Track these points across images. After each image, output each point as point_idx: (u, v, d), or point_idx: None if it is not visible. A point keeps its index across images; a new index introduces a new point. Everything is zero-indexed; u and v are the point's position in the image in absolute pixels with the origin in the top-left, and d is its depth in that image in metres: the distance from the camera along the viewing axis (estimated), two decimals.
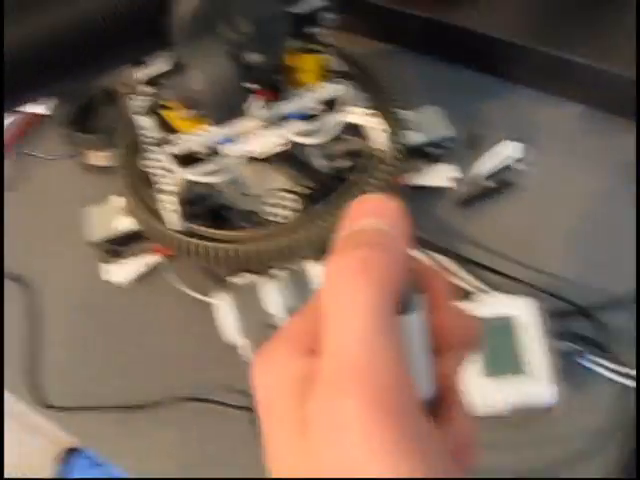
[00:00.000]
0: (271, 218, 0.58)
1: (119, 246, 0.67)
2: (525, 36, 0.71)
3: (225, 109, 0.41)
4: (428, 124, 0.66)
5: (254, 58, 0.40)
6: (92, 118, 0.80)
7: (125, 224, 0.65)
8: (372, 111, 0.58)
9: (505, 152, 0.68)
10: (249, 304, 0.58)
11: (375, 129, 0.58)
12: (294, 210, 0.58)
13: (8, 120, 0.81)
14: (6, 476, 1.63)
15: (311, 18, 0.50)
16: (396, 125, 0.60)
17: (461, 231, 0.66)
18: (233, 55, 0.40)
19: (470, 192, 0.68)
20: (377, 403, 0.21)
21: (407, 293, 0.25)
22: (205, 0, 0.40)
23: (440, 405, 0.26)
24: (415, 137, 0.65)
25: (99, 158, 0.76)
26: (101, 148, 0.76)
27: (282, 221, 0.57)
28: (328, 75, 0.56)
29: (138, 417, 0.61)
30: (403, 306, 0.24)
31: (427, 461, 0.21)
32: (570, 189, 0.67)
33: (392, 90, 0.62)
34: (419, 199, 0.67)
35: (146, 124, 0.57)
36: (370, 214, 0.25)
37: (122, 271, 0.68)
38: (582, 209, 0.66)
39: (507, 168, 0.68)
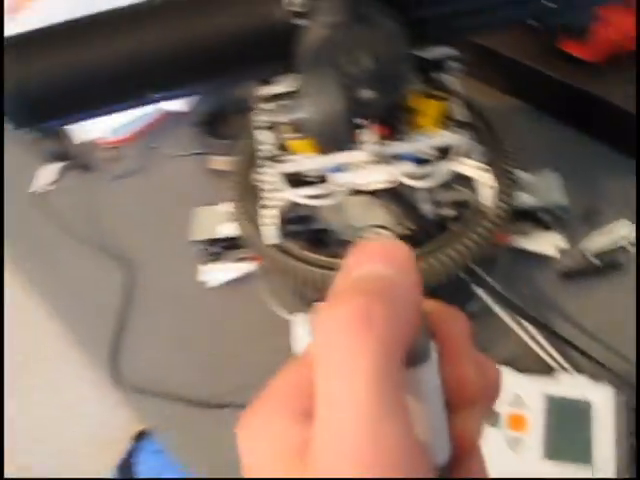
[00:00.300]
0: None
1: (219, 249, 0.69)
2: None
3: (330, 140, 0.42)
4: (543, 189, 0.65)
5: (368, 95, 0.41)
6: (222, 124, 0.83)
7: (228, 230, 0.68)
8: (485, 165, 0.57)
9: (619, 232, 0.66)
10: None
11: (484, 184, 0.57)
12: None
13: (139, 114, 0.85)
14: (83, 445, 1.71)
15: (438, 64, 0.51)
16: (507, 184, 0.59)
17: (557, 304, 0.64)
18: (348, 89, 0.41)
19: (574, 266, 0.65)
20: None
21: (416, 342, 0.21)
22: (333, 32, 0.42)
23: (456, 469, 0.23)
24: (527, 200, 0.64)
25: (220, 163, 0.79)
26: (224, 154, 0.79)
27: None
28: (448, 122, 0.56)
29: (205, 414, 0.63)
30: (411, 357, 0.21)
31: None
32: None
33: (511, 148, 0.61)
34: (521, 263, 0.66)
35: (263, 139, 0.59)
36: (374, 259, 0.22)
37: (216, 273, 0.70)
38: None
39: (618, 249, 0.66)
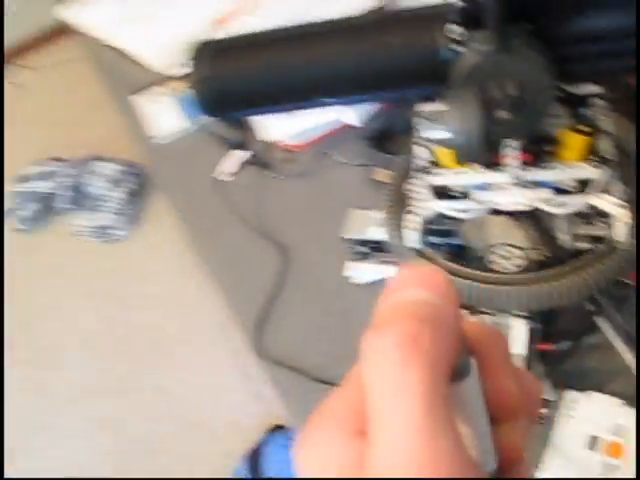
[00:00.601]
0: (495, 267, 0.63)
1: (366, 250, 0.76)
2: None
3: (466, 152, 0.48)
4: None
5: (504, 116, 0.46)
6: (389, 141, 0.90)
7: (377, 234, 0.74)
8: (623, 202, 0.60)
9: None
10: None
11: (620, 220, 0.60)
12: (517, 266, 0.62)
13: (317, 124, 0.94)
14: (218, 429, 1.82)
15: (585, 100, 0.55)
16: None
17: None
18: (489, 109, 0.46)
19: None
20: None
21: (457, 359, 0.23)
22: (484, 59, 0.47)
23: (504, 477, 0.24)
24: None
25: (381, 175, 0.86)
26: (386, 167, 0.86)
27: (503, 271, 0.62)
28: (591, 157, 0.60)
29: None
30: (453, 373, 0.23)
31: None
32: None
33: None
34: None
35: (418, 152, 0.65)
36: (417, 284, 0.23)
37: (361, 271, 0.77)
38: None
39: None
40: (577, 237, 0.64)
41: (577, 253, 0.63)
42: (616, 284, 0.67)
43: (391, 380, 0.21)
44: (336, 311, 0.77)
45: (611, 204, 0.60)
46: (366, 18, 0.62)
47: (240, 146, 0.93)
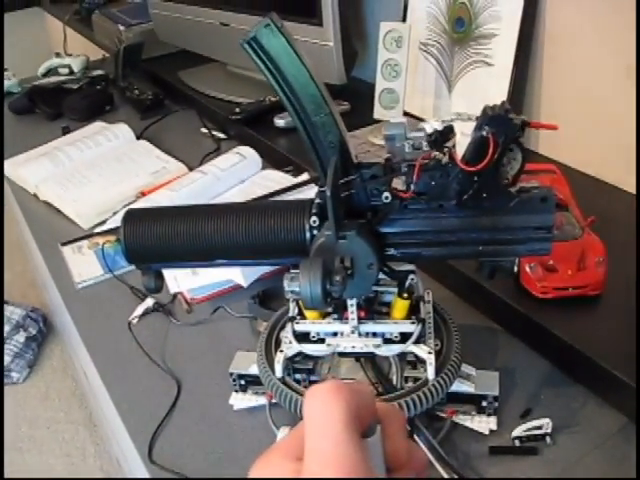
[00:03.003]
0: None
1: (244, 382, 0.95)
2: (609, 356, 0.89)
3: (310, 303, 0.67)
4: (483, 381, 0.88)
5: (338, 279, 0.67)
6: (269, 299, 1.13)
7: (255, 370, 0.93)
8: (433, 351, 0.82)
9: (539, 424, 0.87)
10: None
11: (431, 364, 0.81)
12: None
13: (214, 283, 1.15)
14: None
15: (405, 274, 0.78)
16: (449, 369, 0.83)
17: (478, 468, 0.84)
18: (328, 274, 0.67)
19: (500, 445, 0.87)
20: None
21: (370, 424, 0.34)
22: (327, 240, 0.70)
23: None
24: (468, 387, 0.87)
25: (263, 326, 1.06)
26: (267, 320, 1.06)
27: None
28: (412, 317, 0.82)
29: None
30: (365, 433, 0.33)
31: None
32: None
33: (460, 344, 0.86)
34: (458, 433, 0.87)
35: (290, 307, 0.86)
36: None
37: (241, 401, 0.95)
38: None
39: (536, 437, 0.87)
40: (403, 375, 0.85)
41: (402, 388, 0.84)
42: (434, 417, 0.88)
43: (320, 411, 0.31)
44: (219, 430, 0.93)
45: (424, 351, 0.82)
46: (254, 204, 0.85)
47: (152, 295, 1.13)
